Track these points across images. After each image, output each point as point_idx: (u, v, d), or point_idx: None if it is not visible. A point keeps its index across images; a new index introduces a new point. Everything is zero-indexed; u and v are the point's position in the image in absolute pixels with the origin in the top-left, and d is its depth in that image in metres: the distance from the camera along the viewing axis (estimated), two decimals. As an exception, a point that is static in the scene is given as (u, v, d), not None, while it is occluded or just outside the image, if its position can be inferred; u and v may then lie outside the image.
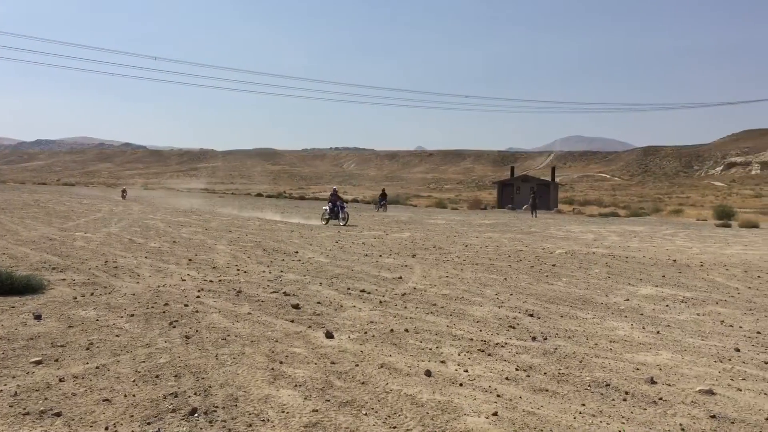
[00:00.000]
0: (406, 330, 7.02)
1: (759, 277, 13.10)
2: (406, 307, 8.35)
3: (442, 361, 5.85)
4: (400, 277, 11.01)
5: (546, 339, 6.93)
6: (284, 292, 8.97)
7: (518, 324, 7.64)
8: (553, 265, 13.73)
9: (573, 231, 27.37)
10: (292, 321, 7.25)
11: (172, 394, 4.65)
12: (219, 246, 15.05)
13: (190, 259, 12.32)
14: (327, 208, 28.08)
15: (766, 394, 5.30)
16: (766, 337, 7.47)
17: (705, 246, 20.84)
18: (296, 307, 7.97)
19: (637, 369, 5.89)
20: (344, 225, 26.19)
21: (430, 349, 6.29)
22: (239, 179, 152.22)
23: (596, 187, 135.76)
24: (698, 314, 8.81)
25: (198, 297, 8.39)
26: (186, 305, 7.82)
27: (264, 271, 11.02)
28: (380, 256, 14.27)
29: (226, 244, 15.68)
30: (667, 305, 9.43)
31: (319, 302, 8.42)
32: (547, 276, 12.04)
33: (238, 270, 11.07)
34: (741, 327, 8.03)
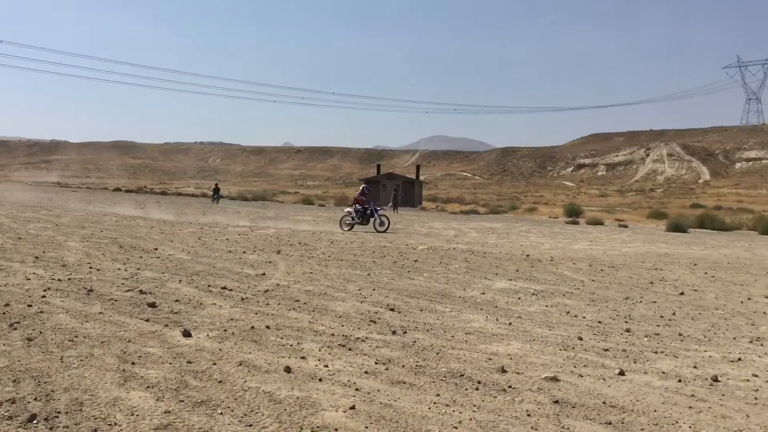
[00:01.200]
0: (268, 327, 6.94)
1: (602, 270, 14.10)
2: (268, 304, 8.25)
3: (303, 357, 5.84)
4: (264, 274, 10.87)
5: (405, 332, 7.09)
6: (140, 291, 8.59)
7: (379, 318, 7.76)
8: (415, 261, 14.07)
9: (435, 227, 28.20)
10: (148, 320, 6.96)
11: (9, 400, 4.33)
12: (70, 243, 14.17)
13: (36, 257, 11.52)
14: (351, 210, 23.80)
15: (604, 379, 5.70)
16: (606, 327, 8.04)
17: (555, 242, 22.14)
18: (152, 305, 7.66)
19: (490, 359, 6.15)
20: (384, 231, 22.62)
21: (291, 345, 6.26)
22: (96, 173, 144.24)
23: (458, 185, 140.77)
24: (547, 306, 9.34)
25: (44, 297, 7.85)
26: (30, 306, 7.30)
27: (119, 269, 10.50)
28: (244, 252, 14.00)
29: (79, 240, 14.80)
30: (519, 298, 9.93)
31: (177, 300, 8.14)
32: (409, 271, 12.32)
33: (91, 268, 10.47)
34: (584, 317, 8.60)
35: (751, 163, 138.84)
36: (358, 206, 23.68)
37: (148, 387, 4.75)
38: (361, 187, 24.79)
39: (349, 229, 22.99)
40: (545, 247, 19.55)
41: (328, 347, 6.25)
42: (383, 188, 54.88)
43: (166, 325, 6.75)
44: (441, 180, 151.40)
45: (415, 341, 6.70)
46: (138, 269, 10.58)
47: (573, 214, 42.85)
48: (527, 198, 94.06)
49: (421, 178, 70.01)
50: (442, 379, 5.43)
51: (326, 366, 5.59)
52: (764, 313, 9.62)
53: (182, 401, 4.49)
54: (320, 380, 5.18)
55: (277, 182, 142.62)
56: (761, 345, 7.41)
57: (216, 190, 47.52)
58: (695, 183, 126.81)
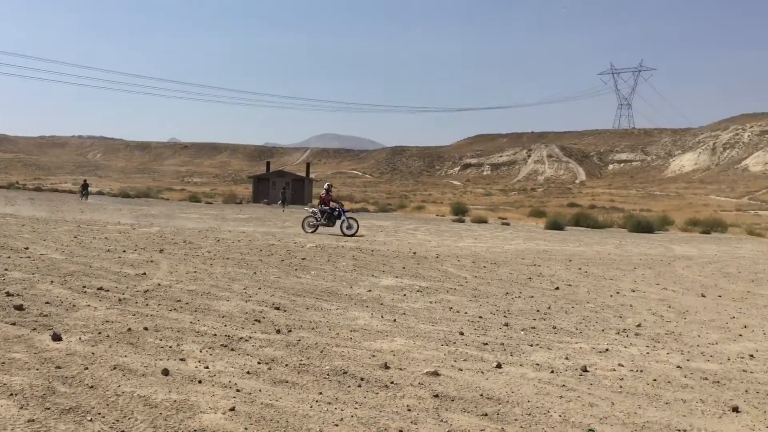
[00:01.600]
0: (146, 328, 6.69)
1: (484, 267, 14.57)
2: (147, 305, 7.96)
3: (182, 359, 5.67)
4: (144, 273, 10.48)
5: (290, 331, 7.04)
6: (7, 293, 8.05)
7: (264, 317, 7.67)
8: (303, 259, 14.00)
9: (325, 225, 28.18)
10: (14, 324, 6.54)
11: None
12: (-73, 242, 13.11)
13: None
14: (316, 210, 22.36)
15: (482, 372, 5.88)
16: (486, 321, 8.31)
17: (441, 239, 22.68)
18: (19, 308, 7.20)
19: (373, 356, 6.21)
20: (352, 235, 21.10)
21: (171, 347, 6.06)
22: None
23: (349, 183, 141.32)
24: (431, 302, 9.55)
25: None
26: None
27: (-17, 270, 9.80)
28: (124, 251, 13.44)
29: (-63, 239, 13.72)
30: (404, 295, 10.09)
31: (48, 302, 7.69)
32: (296, 269, 12.24)
33: (-50, 269, 9.73)
34: (466, 313, 8.85)
35: (622, 164, 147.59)
36: (324, 206, 22.07)
37: (12, 395, 4.46)
38: (325, 186, 23.00)
39: (312, 231, 21.55)
40: (431, 245, 19.97)
41: (210, 348, 6.11)
42: (273, 186, 54.29)
43: (34, 329, 6.37)
44: (331, 178, 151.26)
45: (299, 340, 6.67)
46: (5, 270, 9.92)
47: (459, 212, 44.02)
48: (416, 197, 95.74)
49: (312, 176, 69.73)
50: (325, 378, 5.43)
51: (207, 367, 5.46)
52: (631, 306, 10.25)
53: (48, 408, 4.25)
54: (200, 382, 5.05)
55: (163, 179, 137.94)
56: (627, 336, 7.89)
57: (84, 185, 47.07)
58: (572, 183, 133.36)
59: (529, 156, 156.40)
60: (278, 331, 6.98)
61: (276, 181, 54.09)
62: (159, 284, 9.55)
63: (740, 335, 8.25)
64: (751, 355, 7.09)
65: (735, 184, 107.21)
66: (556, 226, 32.17)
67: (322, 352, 6.25)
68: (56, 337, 6.03)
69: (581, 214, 37.48)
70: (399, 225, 31.27)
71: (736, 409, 5.15)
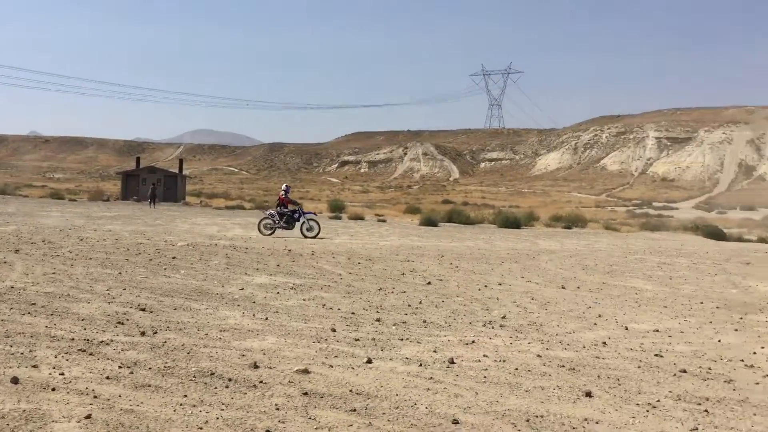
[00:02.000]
0: (-6, 335, 6.23)
1: (359, 263, 14.69)
2: (-2, 309, 7.41)
3: (35, 366, 5.32)
4: (-5, 276, 9.75)
5: (156, 333, 6.78)
6: None
7: (128, 319, 7.35)
8: (173, 258, 13.55)
9: (198, 223, 27.41)
10: None
11: None
12: None
13: None
14: (273, 212, 21.57)
15: (353, 368, 5.92)
16: (358, 317, 8.38)
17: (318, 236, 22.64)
18: None
19: (243, 355, 6.11)
20: (314, 237, 20.77)
21: (22, 353, 5.68)
22: None
23: (225, 180, 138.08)
24: (304, 299, 9.51)
25: None
26: None
27: None
28: (-28, 252, 12.46)
29: None
30: (278, 292, 9.99)
31: None
32: (165, 269, 11.82)
33: None
34: (339, 309, 8.89)
35: (492, 163, 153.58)
36: (282, 208, 21.29)
37: None
38: (283, 187, 22.34)
39: (270, 233, 20.71)
40: (307, 242, 19.90)
41: (66, 353, 5.77)
42: (143, 182, 52.12)
43: None
44: (207, 174, 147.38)
45: (165, 342, 6.44)
46: None
47: (336, 209, 44.14)
48: (293, 194, 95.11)
49: (186, 172, 67.57)
50: (191, 380, 5.27)
51: (62, 374, 5.15)
52: (497, 298, 10.68)
53: None
54: (53, 390, 4.76)
55: (21, 174, 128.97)
56: (492, 328, 8.21)
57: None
58: (447, 180, 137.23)
59: (406, 154, 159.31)
60: (143, 333, 6.71)
61: (147, 178, 51.89)
62: (12, 287, 8.93)
63: (595, 324, 8.79)
64: (604, 343, 7.57)
65: (594, 182, 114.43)
66: (430, 222, 32.93)
67: (189, 353, 6.07)
68: None
69: (454, 211, 38.60)
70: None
71: (589, 394, 5.48)
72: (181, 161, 66.55)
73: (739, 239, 30.10)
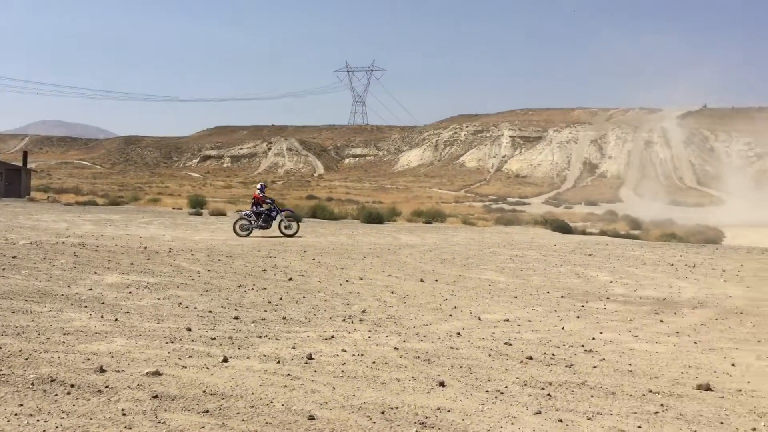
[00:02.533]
0: None
1: (219, 260, 14.33)
2: None
3: None
4: None
5: (-10, 339, 6.26)
6: None
7: (-43, 326, 6.73)
8: (14, 257, 12.58)
9: (44, 220, 25.67)
10: None
11: None
12: None
13: None
14: (248, 212, 21.17)
15: (207, 368, 5.76)
16: (216, 315, 8.17)
17: (176, 233, 21.87)
18: None
19: (88, 359, 5.77)
20: (292, 235, 20.42)
21: None
22: None
23: (76, 174, 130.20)
24: (159, 298, 9.14)
25: None
26: None
27: None
28: None
29: None
30: (130, 292, 9.54)
31: None
32: (4, 269, 10.96)
33: None
34: (196, 307, 8.62)
35: (357, 158, 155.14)
36: (258, 207, 20.68)
37: None
38: (258, 185, 21.93)
39: (246, 235, 19.92)
40: (165, 239, 19.17)
41: None
42: (-18, 176, 48.11)
43: None
44: (55, 168, 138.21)
45: (0, 347, 5.96)
46: None
47: (197, 205, 42.86)
48: (152, 189, 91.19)
49: (31, 165, 63.04)
50: (28, 387, 4.92)
51: None
52: (358, 293, 10.78)
53: None
54: None
55: None
56: (352, 322, 8.27)
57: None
58: (311, 176, 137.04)
59: (270, 149, 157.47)
60: (-27, 341, 6.17)
61: (-14, 171, 47.93)
62: None
63: (450, 315, 9.10)
64: (458, 333, 7.85)
65: (454, 178, 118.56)
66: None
67: (27, 359, 5.65)
68: None
69: (318, 206, 38.53)
70: (131, 218, 29.48)
71: (442, 384, 5.65)
72: (25, 154, 61.93)
73: (583, 232, 32.31)
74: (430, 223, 35.12)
